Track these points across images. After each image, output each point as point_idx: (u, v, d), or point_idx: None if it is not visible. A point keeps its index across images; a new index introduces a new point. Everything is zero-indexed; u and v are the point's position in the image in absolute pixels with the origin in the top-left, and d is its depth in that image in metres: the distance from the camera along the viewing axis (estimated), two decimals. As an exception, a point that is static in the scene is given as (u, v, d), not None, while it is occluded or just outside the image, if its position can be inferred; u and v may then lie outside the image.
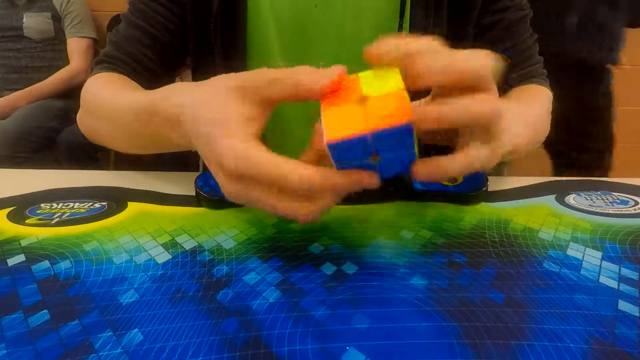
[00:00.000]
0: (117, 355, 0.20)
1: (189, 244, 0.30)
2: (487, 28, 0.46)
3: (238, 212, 0.35)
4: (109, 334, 0.22)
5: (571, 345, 0.21)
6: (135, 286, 0.25)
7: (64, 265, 0.28)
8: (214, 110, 0.24)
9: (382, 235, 0.32)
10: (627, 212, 0.36)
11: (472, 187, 0.37)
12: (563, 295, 0.25)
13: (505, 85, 0.49)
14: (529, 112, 0.39)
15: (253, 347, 0.21)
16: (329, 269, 0.27)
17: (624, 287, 0.26)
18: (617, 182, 0.43)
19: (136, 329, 0.22)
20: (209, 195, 0.35)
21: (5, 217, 0.34)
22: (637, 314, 0.23)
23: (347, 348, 0.21)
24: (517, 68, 0.48)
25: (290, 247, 0.30)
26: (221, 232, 0.32)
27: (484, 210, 0.36)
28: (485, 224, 0.33)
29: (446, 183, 0.37)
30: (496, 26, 0.46)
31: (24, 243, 0.30)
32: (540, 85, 0.48)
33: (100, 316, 0.23)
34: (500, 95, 0.25)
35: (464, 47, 0.27)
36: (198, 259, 0.28)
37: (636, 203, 0.38)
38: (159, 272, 0.27)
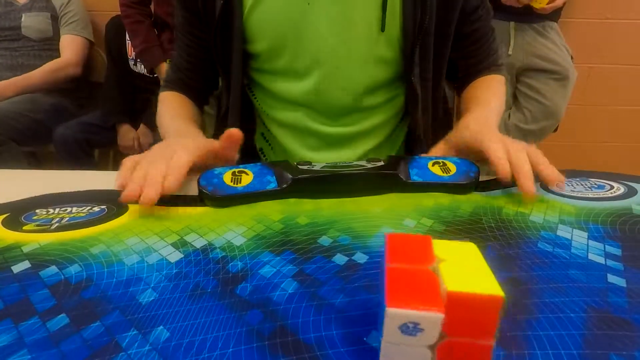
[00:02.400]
0: (146, 353, 0.20)
1: (198, 243, 0.30)
2: (467, 35, 0.56)
3: (243, 210, 0.35)
4: (134, 332, 0.22)
5: (572, 315, 0.23)
6: (152, 285, 0.25)
7: (74, 269, 0.27)
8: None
9: (386, 225, 0.33)
10: (604, 195, 0.39)
11: (465, 177, 0.39)
12: (559, 271, 0.27)
13: (468, 75, 0.60)
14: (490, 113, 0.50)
15: (280, 335, 0.21)
16: (340, 259, 0.28)
17: (610, 263, 0.28)
18: (591, 171, 0.47)
19: (161, 326, 0.22)
20: (212, 193, 0.36)
21: (1, 224, 0.33)
22: (625, 285, 0.26)
23: (372, 330, 0.22)
24: (485, 61, 0.59)
25: (299, 240, 0.31)
26: (229, 229, 0.32)
27: (478, 199, 0.38)
28: (480, 211, 0.35)
29: (440, 173, 0.39)
30: (474, 33, 0.56)
31: (25, 249, 0.29)
32: (497, 75, 0.59)
33: (122, 316, 0.23)
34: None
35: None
36: (210, 256, 0.29)
37: (611, 187, 0.41)
38: (174, 271, 0.27)
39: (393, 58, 0.52)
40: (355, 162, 0.39)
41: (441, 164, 0.40)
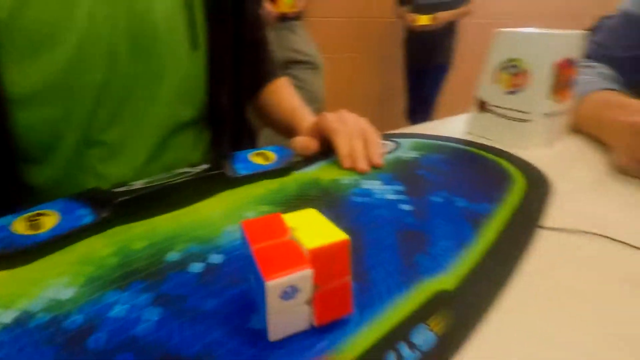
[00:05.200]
0: None
1: (6, 317, 0.24)
2: (253, 42, 0.58)
3: (57, 258, 0.29)
4: None
5: (388, 240, 0.31)
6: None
7: None
8: None
9: (229, 223, 0.34)
10: (386, 150, 0.51)
11: (284, 162, 0.43)
12: (371, 213, 0.35)
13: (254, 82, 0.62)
14: None
15: (162, 363, 0.20)
16: (196, 267, 0.28)
17: (399, 197, 0.38)
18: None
19: None
20: (2, 252, 0.28)
21: None
22: (410, 208, 0.36)
23: (250, 315, 0.23)
24: (268, 67, 0.63)
25: (143, 265, 0.28)
26: (47, 286, 0.26)
27: (299, 177, 0.43)
28: (305, 187, 0.40)
29: (263, 162, 0.43)
30: (257, 41, 0.60)
31: None
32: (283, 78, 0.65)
33: None
34: None
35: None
36: (33, 325, 0.23)
37: (385, 145, 0.54)
38: (-17, 362, 0.20)
39: (200, 74, 0.49)
40: (178, 171, 0.38)
41: (261, 154, 0.43)
